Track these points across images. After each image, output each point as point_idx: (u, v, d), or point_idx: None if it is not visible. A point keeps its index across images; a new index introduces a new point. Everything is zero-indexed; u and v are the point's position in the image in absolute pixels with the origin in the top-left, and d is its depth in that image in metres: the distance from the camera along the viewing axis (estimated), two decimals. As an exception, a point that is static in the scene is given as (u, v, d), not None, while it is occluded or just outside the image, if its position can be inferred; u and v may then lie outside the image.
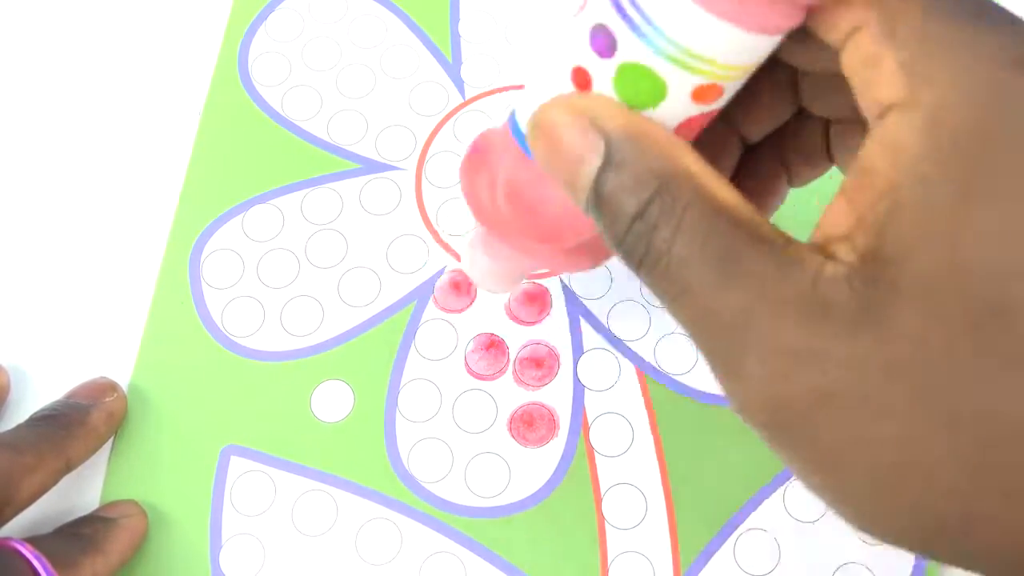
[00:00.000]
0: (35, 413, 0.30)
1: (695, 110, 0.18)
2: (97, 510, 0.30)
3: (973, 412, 0.15)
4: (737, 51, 0.17)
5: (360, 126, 0.36)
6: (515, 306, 0.33)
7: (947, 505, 0.16)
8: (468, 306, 0.33)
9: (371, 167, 0.36)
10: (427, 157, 0.36)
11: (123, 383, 0.32)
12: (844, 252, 0.16)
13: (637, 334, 0.32)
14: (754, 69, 0.19)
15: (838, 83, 0.18)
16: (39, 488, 0.28)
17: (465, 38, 0.38)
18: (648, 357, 0.32)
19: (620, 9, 0.18)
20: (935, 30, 0.16)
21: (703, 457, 0.31)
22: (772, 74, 0.22)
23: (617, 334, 0.32)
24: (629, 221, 0.18)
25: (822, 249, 0.17)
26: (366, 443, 0.31)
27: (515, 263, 0.26)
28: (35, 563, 0.26)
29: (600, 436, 0.31)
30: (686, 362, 0.32)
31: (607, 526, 0.30)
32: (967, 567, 0.16)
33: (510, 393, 0.32)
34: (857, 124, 0.21)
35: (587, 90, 0.19)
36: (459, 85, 0.37)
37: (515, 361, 0.32)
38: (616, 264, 0.33)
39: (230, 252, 0.34)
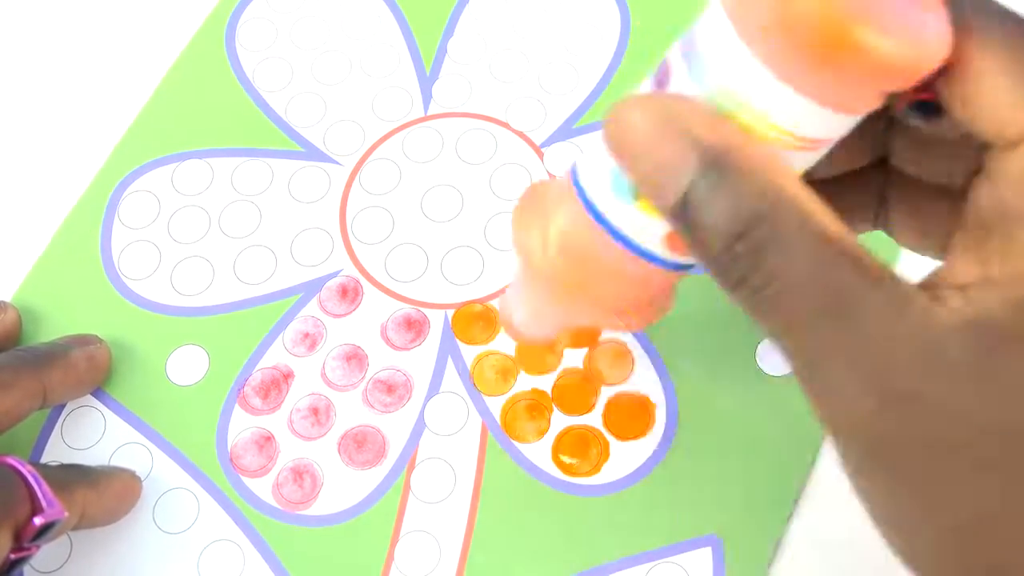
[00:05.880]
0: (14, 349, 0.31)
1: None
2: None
3: None
4: (817, 124, 0.18)
5: (318, 112, 0.37)
6: (391, 327, 0.33)
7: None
8: (348, 314, 0.33)
9: (312, 154, 0.36)
10: (368, 159, 0.36)
11: (9, 296, 0.33)
12: (957, 302, 0.17)
13: (499, 391, 0.32)
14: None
15: (932, 146, 0.19)
16: (14, 407, 0.28)
17: (451, 55, 0.38)
18: (500, 418, 0.32)
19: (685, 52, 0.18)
20: None
21: (513, 532, 0.30)
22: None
23: (478, 386, 0.32)
24: (729, 240, 0.17)
25: (928, 290, 0.17)
26: (201, 415, 0.32)
27: (555, 315, 0.26)
28: (29, 478, 0.26)
29: (421, 478, 0.31)
30: (532, 435, 0.31)
31: (393, 567, 0.30)
32: None
33: (353, 410, 0.32)
34: (934, 192, 0.21)
35: None
36: (426, 99, 0.37)
37: (369, 380, 0.32)
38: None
39: (151, 196, 0.35)
